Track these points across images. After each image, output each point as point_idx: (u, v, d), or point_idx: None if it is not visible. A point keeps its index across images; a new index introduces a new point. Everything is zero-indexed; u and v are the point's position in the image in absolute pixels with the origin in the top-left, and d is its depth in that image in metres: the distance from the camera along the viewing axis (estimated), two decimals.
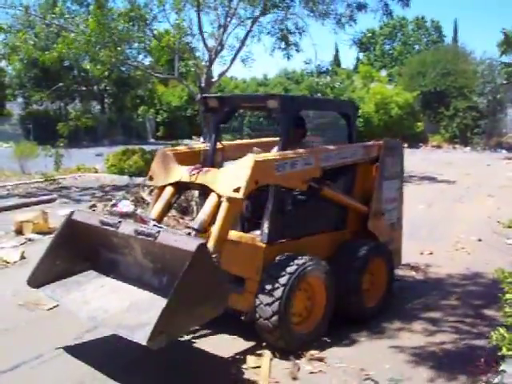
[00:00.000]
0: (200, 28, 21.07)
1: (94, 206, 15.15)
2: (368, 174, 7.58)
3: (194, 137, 47.88)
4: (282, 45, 22.30)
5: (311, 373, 5.83)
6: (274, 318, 5.87)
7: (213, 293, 5.10)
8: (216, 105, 7.23)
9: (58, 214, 13.37)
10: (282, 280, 5.92)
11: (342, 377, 5.76)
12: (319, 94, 41.27)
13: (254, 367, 5.86)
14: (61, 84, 42.92)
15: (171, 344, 5.02)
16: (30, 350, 6.21)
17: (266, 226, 6.29)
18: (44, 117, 45.87)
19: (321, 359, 6.12)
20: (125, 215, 6.18)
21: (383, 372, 5.84)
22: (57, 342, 6.38)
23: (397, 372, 5.83)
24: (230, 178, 5.90)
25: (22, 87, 47.63)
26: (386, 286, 7.44)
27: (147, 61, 25.11)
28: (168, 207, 6.56)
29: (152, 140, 49.34)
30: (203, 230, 5.90)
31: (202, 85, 21.15)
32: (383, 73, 57.58)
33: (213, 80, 22.20)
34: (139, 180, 18.67)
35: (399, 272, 9.31)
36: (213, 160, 7.23)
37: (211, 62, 21.29)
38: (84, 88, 48.04)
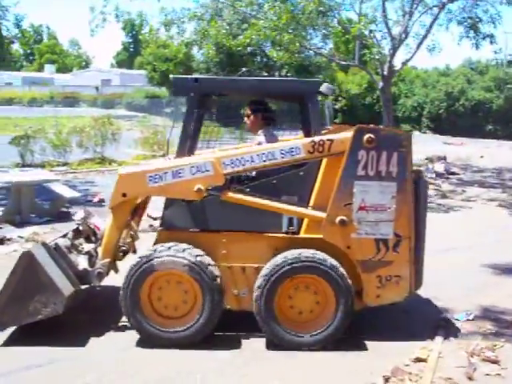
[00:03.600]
0: (384, 15, 20.89)
1: None
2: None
3: (371, 125, 47.48)
4: (471, 34, 21.42)
5: (487, 375, 5.57)
6: (122, 302, 5.84)
7: (44, 294, 5.69)
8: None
9: None
10: (132, 262, 5.90)
11: None
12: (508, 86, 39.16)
13: (420, 360, 5.74)
14: (244, 69, 44.28)
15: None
16: None
17: (162, 210, 6.31)
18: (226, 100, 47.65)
19: (497, 362, 5.82)
20: (80, 222, 7.01)
21: None
22: None
23: None
24: None
25: (208, 71, 49.79)
26: (333, 314, 5.90)
27: (327, 47, 25.33)
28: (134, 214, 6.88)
29: (329, 127, 49.52)
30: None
31: (385, 73, 20.96)
32: None
33: (395, 68, 21.93)
34: None
35: None
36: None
37: (395, 50, 21.03)
38: (266, 73, 49.22)
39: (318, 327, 5.91)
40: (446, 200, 15.58)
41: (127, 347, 5.86)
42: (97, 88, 68.62)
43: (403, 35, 21.07)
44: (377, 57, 21.16)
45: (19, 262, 5.79)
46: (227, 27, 22.01)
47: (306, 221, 6.14)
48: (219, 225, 6.19)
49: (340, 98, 51.46)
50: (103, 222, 6.98)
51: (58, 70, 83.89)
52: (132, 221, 6.82)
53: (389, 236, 5.99)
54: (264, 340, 5.98)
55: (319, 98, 6.39)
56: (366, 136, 5.88)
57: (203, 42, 23.85)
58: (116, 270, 6.59)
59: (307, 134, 6.47)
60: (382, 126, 6.14)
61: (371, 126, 6.15)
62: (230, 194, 5.97)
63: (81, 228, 6.95)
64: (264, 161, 5.95)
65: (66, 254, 6.10)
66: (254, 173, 6.35)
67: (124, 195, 6.01)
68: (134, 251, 6.96)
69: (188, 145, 6.36)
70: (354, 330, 6.14)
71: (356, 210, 5.93)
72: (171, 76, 6.42)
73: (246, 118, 7.04)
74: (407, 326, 6.62)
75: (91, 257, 6.39)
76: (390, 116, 22.06)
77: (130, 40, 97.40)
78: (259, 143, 6.61)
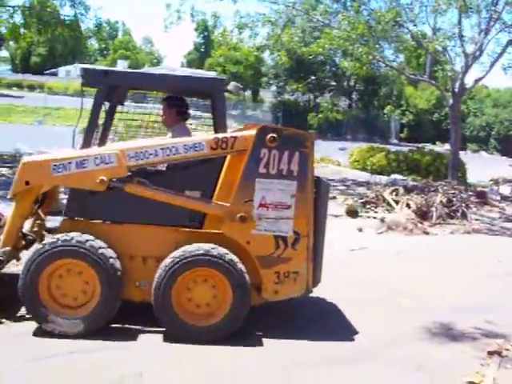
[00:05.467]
0: (460, 32, 20.64)
1: (334, 197, 15.63)
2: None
3: (437, 142, 46.88)
4: None
5: None
6: (20, 292, 5.80)
7: None
8: None
9: None
10: (33, 248, 5.98)
11: None
12: None
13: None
14: (313, 77, 44.38)
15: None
16: None
17: (67, 199, 6.29)
18: (293, 106, 47.87)
19: None
20: None
21: None
22: None
23: None
24: None
25: (277, 77, 50.06)
26: (229, 307, 5.92)
27: (398, 61, 25.21)
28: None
29: (394, 141, 49.09)
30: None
31: (456, 90, 20.68)
32: None
33: (467, 86, 21.61)
34: (380, 178, 18.78)
35: None
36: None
37: (467, 67, 20.73)
38: (334, 83, 49.19)
39: (215, 320, 5.94)
40: (510, 224, 15.23)
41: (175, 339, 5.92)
42: None
43: (477, 53, 20.74)
44: (449, 73, 20.89)
45: None
46: (300, 34, 22.11)
47: (208, 216, 6.15)
48: (122, 216, 6.20)
49: (407, 113, 51.01)
50: (8, 208, 6.92)
51: (130, 66, 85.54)
52: (39, 210, 6.76)
53: (288, 233, 6.07)
54: (313, 345, 5.98)
55: (226, 95, 6.50)
56: (269, 135, 5.98)
57: (275, 48, 24.04)
58: (18, 259, 6.56)
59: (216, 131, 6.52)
60: (284, 126, 6.29)
61: (274, 125, 6.26)
62: (133, 187, 6.00)
63: None
64: (168, 155, 6.02)
65: None
66: (163, 166, 6.38)
67: (27, 183, 6.03)
68: (42, 241, 6.74)
69: (96, 136, 6.46)
70: (407, 349, 6.12)
71: (256, 206, 6.02)
72: (81, 67, 6.51)
73: (161, 113, 7.04)
74: (462, 348, 6.50)
75: None
76: (458, 134, 21.74)
77: (202, 41, 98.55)
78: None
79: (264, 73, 53.42)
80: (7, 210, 6.92)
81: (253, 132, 6.08)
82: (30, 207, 6.31)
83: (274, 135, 5.99)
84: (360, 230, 12.03)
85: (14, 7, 21.45)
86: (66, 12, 22.84)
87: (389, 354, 6.00)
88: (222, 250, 5.89)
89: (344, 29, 19.77)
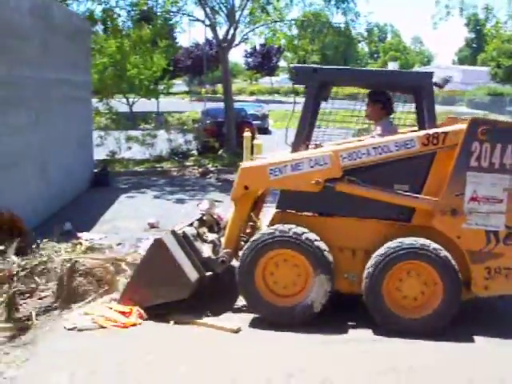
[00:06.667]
0: None
1: None
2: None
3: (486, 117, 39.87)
4: None
5: None
6: (237, 275, 6.29)
7: (172, 278, 6.14)
8: None
9: None
10: (251, 242, 6.22)
11: None
12: None
13: None
14: None
15: None
16: None
17: (279, 193, 6.57)
18: None
19: None
20: (204, 213, 7.30)
21: None
22: None
23: None
24: None
25: None
26: (440, 301, 5.94)
27: None
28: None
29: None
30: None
31: None
32: None
33: None
34: None
35: None
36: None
37: None
38: None
39: (425, 313, 6.00)
40: None
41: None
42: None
43: None
44: None
45: (151, 248, 6.41)
46: None
47: (417, 210, 6.20)
48: (333, 210, 6.44)
49: None
50: (225, 212, 7.36)
51: (401, 67, 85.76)
52: (252, 212, 7.03)
53: (500, 228, 5.99)
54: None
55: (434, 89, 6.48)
56: (481, 128, 5.93)
57: None
58: (238, 259, 6.76)
59: (422, 126, 6.51)
60: (497, 119, 6.15)
61: (485, 118, 6.16)
62: (344, 186, 6.18)
63: (205, 218, 7.27)
64: (380, 154, 6.15)
65: (193, 242, 6.55)
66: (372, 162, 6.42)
67: (246, 188, 6.41)
68: None
69: (305, 134, 6.72)
70: None
71: (467, 200, 6.00)
72: (291, 65, 6.73)
73: (366, 107, 7.08)
74: None
75: (215, 246, 6.77)
76: None
77: (473, 36, 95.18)
78: (375, 136, 6.70)
79: None
80: (224, 213, 7.61)
81: (464, 126, 6.09)
82: (248, 210, 6.79)
83: (486, 128, 5.97)
84: None
85: (290, 21, 22.94)
86: (337, 20, 23.51)
87: None
88: (437, 246, 5.97)
89: None
